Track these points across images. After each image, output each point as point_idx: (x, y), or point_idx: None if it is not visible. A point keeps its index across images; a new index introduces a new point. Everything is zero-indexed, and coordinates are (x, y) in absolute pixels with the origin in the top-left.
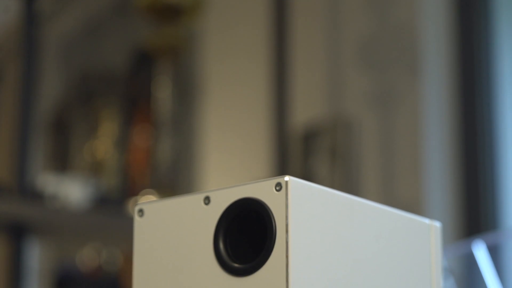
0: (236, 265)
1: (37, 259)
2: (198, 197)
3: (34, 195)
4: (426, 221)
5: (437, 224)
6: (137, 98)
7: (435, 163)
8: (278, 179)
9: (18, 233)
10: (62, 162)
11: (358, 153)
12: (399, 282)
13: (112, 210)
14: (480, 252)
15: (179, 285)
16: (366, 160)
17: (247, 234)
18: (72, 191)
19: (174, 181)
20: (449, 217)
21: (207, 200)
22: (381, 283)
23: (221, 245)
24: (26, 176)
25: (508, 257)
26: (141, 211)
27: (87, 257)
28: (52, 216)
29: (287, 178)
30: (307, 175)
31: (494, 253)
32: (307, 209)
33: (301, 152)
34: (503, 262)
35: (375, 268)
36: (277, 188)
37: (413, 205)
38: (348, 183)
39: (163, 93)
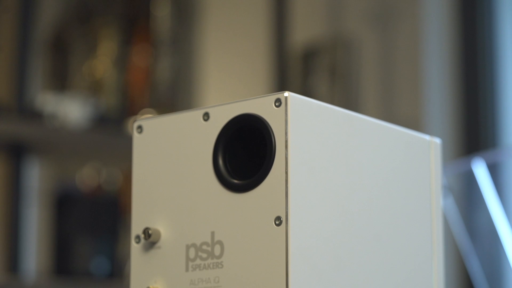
0: (235, 181)
1: (36, 178)
2: (197, 113)
3: (33, 114)
4: (427, 137)
5: (437, 141)
6: (136, 17)
7: (435, 81)
8: (277, 95)
9: (17, 152)
10: (61, 82)
11: (358, 72)
12: (398, 198)
13: (111, 129)
14: (480, 170)
15: (179, 202)
16: (366, 78)
17: (246, 150)
18: (71, 110)
19: (174, 100)
20: (449, 135)
21: (206, 116)
22: (380, 198)
23: (221, 161)
24: (25, 96)
25: (508, 175)
26: (140, 128)
27: (87, 176)
28: (52, 135)
29: (286, 93)
30: (306, 94)
31: (494, 171)
32: (306, 125)
33: (300, 71)
34: (503, 180)
35: (375, 183)
36: (277, 104)
37: (412, 123)
38: (347, 101)
39: (162, 12)
